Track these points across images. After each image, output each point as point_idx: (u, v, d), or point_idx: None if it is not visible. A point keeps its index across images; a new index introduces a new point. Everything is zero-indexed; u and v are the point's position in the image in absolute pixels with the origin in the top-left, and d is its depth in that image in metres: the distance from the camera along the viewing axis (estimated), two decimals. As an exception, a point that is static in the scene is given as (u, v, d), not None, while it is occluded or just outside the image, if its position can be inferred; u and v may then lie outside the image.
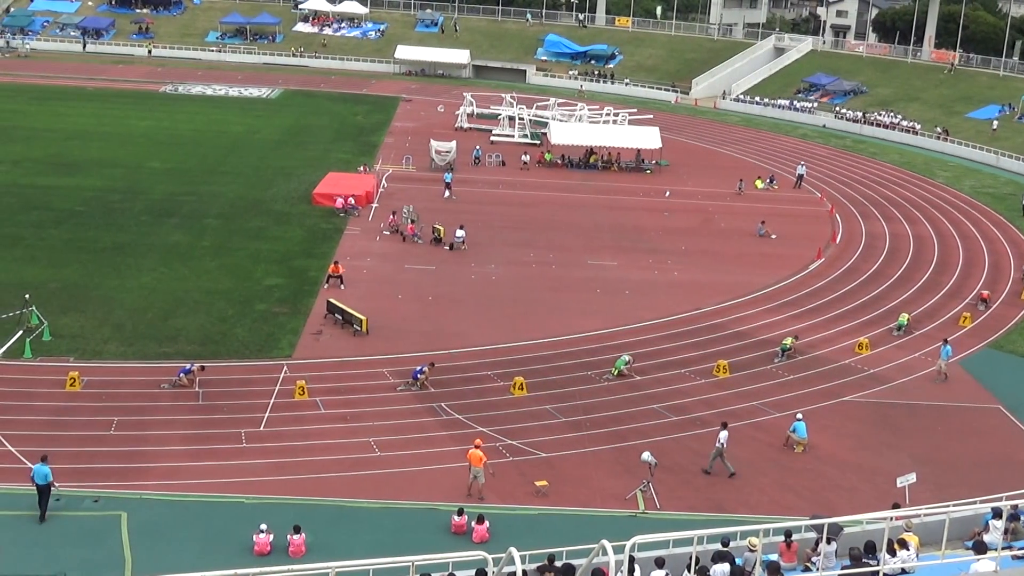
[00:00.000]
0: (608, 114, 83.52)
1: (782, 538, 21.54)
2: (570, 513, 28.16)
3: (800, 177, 72.67)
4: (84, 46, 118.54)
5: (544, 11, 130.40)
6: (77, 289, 43.50)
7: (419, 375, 35.41)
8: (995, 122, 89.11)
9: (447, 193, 62.86)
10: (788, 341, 40.24)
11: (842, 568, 17.78)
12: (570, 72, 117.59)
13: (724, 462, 30.56)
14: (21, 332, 37.81)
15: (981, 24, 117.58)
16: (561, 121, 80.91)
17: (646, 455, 29.03)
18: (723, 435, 30.57)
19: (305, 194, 60.89)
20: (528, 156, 74.47)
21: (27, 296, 39.49)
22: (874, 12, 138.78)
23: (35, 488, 26.05)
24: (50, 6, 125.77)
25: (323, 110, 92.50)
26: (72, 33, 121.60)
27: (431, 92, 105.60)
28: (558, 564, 19.60)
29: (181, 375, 34.58)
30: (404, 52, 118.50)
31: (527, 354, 39.18)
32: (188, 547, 25.40)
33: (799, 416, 32.98)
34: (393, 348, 38.96)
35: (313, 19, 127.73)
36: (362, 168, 68.37)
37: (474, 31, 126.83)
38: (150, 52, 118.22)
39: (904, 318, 43.87)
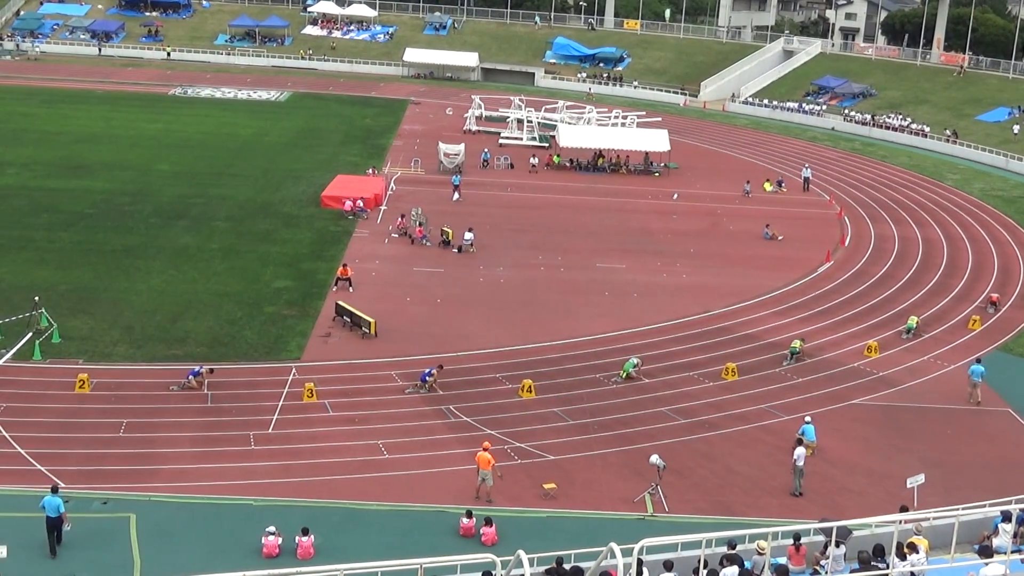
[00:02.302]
0: (617, 117, 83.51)
1: (791, 541, 21.54)
2: (578, 516, 28.15)
3: (807, 180, 72.54)
4: (100, 50, 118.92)
5: (552, 14, 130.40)
6: (86, 291, 43.61)
7: (427, 377, 35.43)
8: (1016, 126, 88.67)
9: (456, 196, 62.89)
10: (797, 344, 40.19)
11: (851, 571, 17.76)
12: (579, 75, 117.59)
13: (798, 478, 29.93)
14: (31, 334, 37.91)
15: (990, 27, 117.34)
16: (570, 124, 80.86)
17: (654, 458, 29.00)
18: (800, 451, 29.99)
19: (314, 197, 60.98)
20: (536, 159, 74.43)
21: (36, 298, 39.58)
22: (883, 15, 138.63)
23: (45, 518, 25.05)
24: (60, 9, 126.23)
25: (332, 113, 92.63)
26: (82, 36, 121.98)
27: (439, 95, 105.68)
28: (566, 567, 19.62)
29: (190, 377, 34.65)
30: (412, 55, 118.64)
31: (535, 356, 39.18)
32: (197, 549, 25.45)
33: (807, 419, 32.90)
34: (401, 351, 38.99)
35: (322, 22, 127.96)
36: (371, 171, 68.46)
37: (482, 34, 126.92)
38: (169, 55, 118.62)
39: (913, 321, 43.77)
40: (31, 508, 25.69)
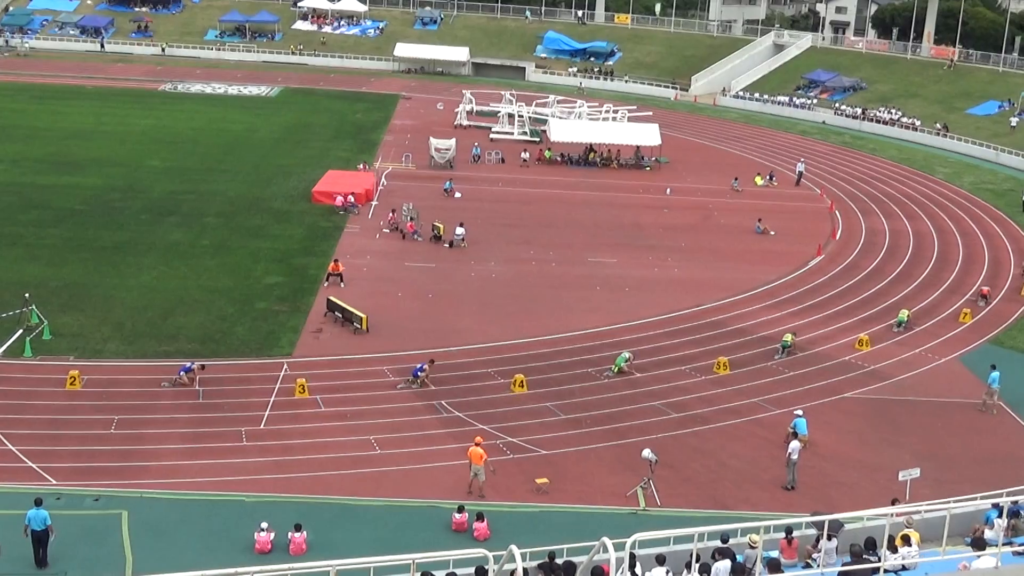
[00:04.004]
0: (608, 111, 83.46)
1: (783, 535, 21.58)
2: (571, 510, 28.16)
3: (800, 175, 72.61)
4: (102, 46, 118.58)
5: (543, 8, 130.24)
6: (77, 288, 43.49)
7: (419, 373, 35.41)
8: (1013, 118, 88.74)
9: (457, 194, 62.47)
10: (788, 338, 40.24)
11: (843, 564, 17.79)
12: (569, 69, 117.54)
13: (791, 471, 30.01)
14: (21, 331, 37.81)
15: (980, 20, 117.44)
16: (561, 118, 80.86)
17: (646, 452, 29.02)
18: (794, 445, 30.06)
19: (305, 192, 60.87)
20: (528, 153, 74.45)
21: (27, 295, 39.48)
22: (873, 8, 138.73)
23: (29, 535, 24.44)
24: (49, 5, 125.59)
25: (322, 108, 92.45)
26: (71, 32, 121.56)
27: (430, 90, 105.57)
28: (559, 562, 19.63)
29: (181, 373, 34.58)
30: (403, 50, 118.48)
31: (527, 351, 39.18)
32: (189, 545, 25.42)
33: (799, 412, 32.94)
34: (393, 346, 38.96)
35: (312, 17, 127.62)
36: (362, 166, 68.36)
37: (473, 28, 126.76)
38: (164, 50, 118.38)
39: (904, 314, 43.86)
40: (22, 506, 25.59)
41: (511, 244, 53.35)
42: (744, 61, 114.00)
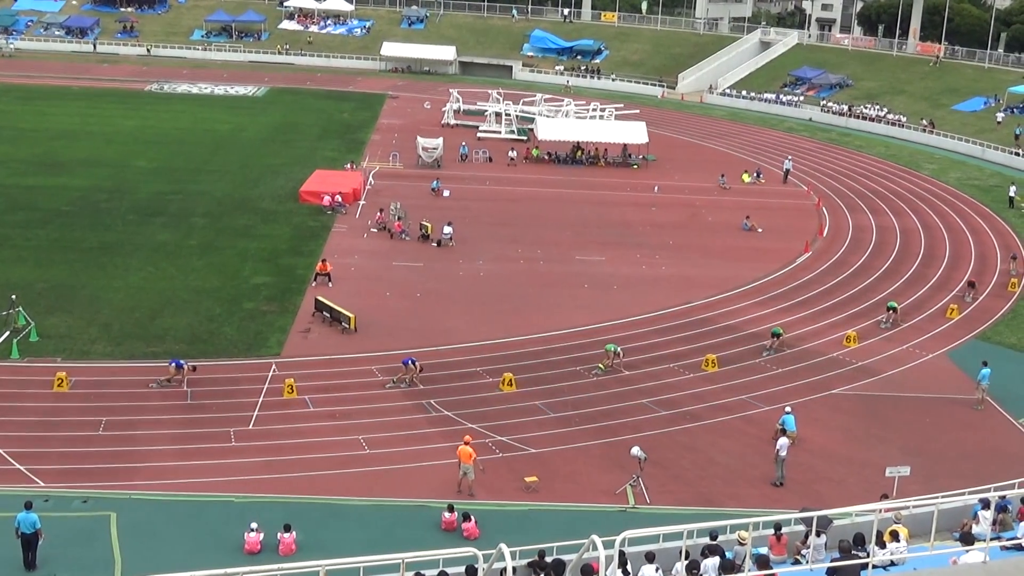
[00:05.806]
0: (595, 109, 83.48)
1: (772, 531, 21.64)
2: (560, 509, 28.18)
3: (787, 172, 72.75)
4: (95, 46, 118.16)
5: (530, 6, 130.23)
6: (64, 289, 43.34)
7: (409, 362, 35.33)
8: (999, 113, 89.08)
9: (446, 192, 62.47)
10: (778, 329, 40.44)
11: (832, 560, 17.83)
12: (556, 68, 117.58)
13: (780, 468, 30.09)
14: (8, 333, 37.67)
15: (966, 16, 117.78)
16: (548, 117, 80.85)
17: (635, 450, 29.07)
18: (783, 441, 30.19)
19: (292, 192, 60.75)
20: (515, 152, 74.43)
21: (14, 297, 39.30)
22: (859, 5, 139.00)
23: (19, 537, 24.49)
24: (34, 5, 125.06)
25: (309, 108, 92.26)
26: (56, 32, 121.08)
27: (417, 89, 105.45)
28: (548, 560, 19.65)
29: (172, 365, 34.50)
30: (390, 49, 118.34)
31: (516, 350, 39.17)
32: (178, 547, 25.36)
33: (788, 409, 33.03)
34: (382, 345, 38.92)
35: (298, 17, 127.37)
36: (349, 165, 68.27)
37: (460, 27, 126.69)
38: (149, 51, 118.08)
39: (893, 303, 44.11)
40: (10, 508, 25.52)
41: (499, 243, 53.34)
42: (730, 59, 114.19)
